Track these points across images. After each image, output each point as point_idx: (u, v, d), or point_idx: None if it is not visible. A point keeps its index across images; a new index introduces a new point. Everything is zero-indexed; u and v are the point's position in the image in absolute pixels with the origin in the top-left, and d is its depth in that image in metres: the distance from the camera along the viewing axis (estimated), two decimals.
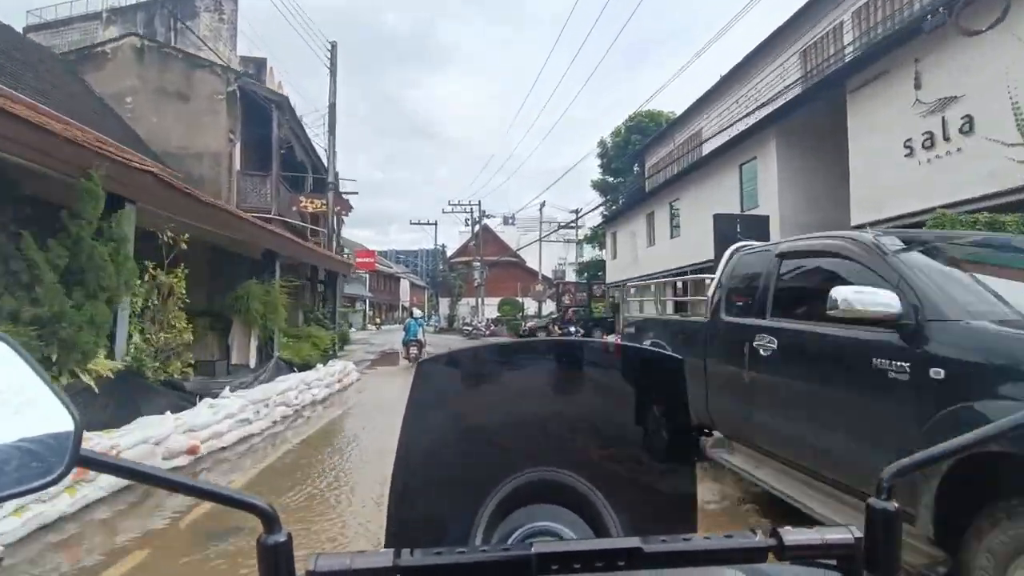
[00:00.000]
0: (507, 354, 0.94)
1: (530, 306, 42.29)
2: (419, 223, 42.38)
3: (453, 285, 44.72)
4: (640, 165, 28.25)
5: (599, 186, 31.86)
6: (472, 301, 45.02)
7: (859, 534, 0.52)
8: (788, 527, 0.52)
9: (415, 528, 0.78)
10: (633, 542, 0.50)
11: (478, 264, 37.50)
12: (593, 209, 29.10)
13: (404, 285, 72.14)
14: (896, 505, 0.53)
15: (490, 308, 39.39)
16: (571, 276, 39.02)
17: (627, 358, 0.91)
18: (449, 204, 37.56)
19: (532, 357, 0.90)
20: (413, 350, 13.95)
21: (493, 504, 0.76)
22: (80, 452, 0.49)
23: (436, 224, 44.29)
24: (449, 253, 47.71)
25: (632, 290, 22.60)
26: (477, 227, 38.11)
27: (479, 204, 36.95)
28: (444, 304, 46.56)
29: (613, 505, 0.77)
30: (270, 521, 0.52)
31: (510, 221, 55.33)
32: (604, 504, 0.76)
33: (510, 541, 0.73)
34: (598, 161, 32.38)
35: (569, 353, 0.89)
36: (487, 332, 31.59)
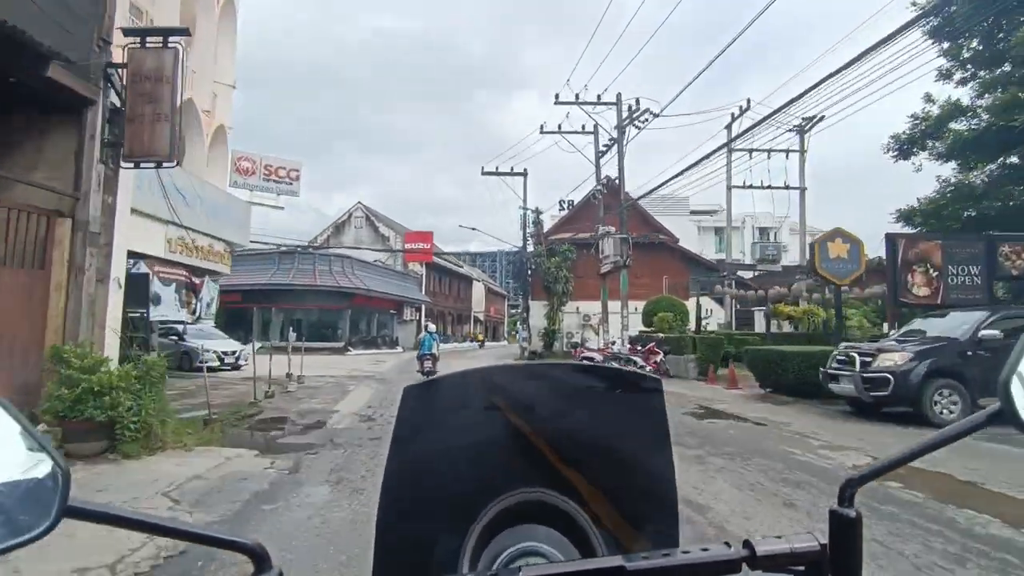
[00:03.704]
0: (489, 377, 0.88)
1: (712, 309, 23.55)
2: (495, 172, 24.86)
3: (554, 278, 25.72)
4: None
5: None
6: (582, 306, 26.86)
7: (824, 541, 0.55)
8: (759, 538, 0.56)
9: (403, 555, 0.78)
10: (616, 561, 0.52)
11: (612, 231, 19.11)
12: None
13: (477, 290, 55.21)
14: (857, 512, 0.55)
15: (616, 316, 21.05)
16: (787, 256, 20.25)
17: (608, 379, 0.89)
18: (556, 101, 19.11)
19: (514, 380, 0.89)
20: (427, 364, 13.39)
21: (480, 527, 0.77)
22: (68, 503, 0.50)
23: (525, 174, 25.77)
24: (546, 229, 29.31)
25: None
26: (613, 152, 19.42)
27: (618, 99, 18.33)
28: (537, 311, 26.95)
29: (598, 523, 0.77)
30: (260, 560, 0.53)
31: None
32: (588, 523, 0.77)
33: (496, 564, 0.73)
34: (924, 41, 13.71)
35: (550, 375, 0.90)
36: (647, 367, 13.99)
